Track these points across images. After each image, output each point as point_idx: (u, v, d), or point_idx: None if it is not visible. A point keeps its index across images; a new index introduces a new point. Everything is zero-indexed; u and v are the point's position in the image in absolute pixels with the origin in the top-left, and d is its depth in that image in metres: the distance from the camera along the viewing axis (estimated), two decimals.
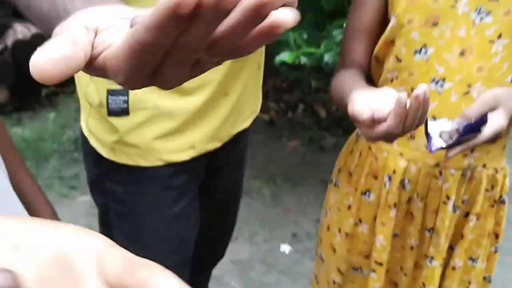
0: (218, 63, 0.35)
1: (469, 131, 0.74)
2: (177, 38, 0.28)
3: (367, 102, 0.70)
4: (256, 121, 1.11)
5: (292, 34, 1.73)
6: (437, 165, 0.89)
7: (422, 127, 0.73)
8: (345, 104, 0.75)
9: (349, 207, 0.98)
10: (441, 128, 0.77)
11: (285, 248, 2.08)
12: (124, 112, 0.91)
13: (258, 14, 0.27)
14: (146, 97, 0.90)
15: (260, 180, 2.53)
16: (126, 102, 0.91)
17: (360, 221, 0.97)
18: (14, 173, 0.88)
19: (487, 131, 0.74)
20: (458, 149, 0.75)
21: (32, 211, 0.92)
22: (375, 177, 0.94)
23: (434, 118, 0.83)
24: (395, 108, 0.65)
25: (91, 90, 0.92)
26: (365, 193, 0.95)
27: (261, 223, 2.20)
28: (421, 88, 0.64)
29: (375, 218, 0.94)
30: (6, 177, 0.57)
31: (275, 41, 1.52)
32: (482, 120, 0.73)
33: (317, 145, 2.80)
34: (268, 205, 2.34)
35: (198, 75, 0.36)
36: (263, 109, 1.26)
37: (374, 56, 0.90)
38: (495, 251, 0.98)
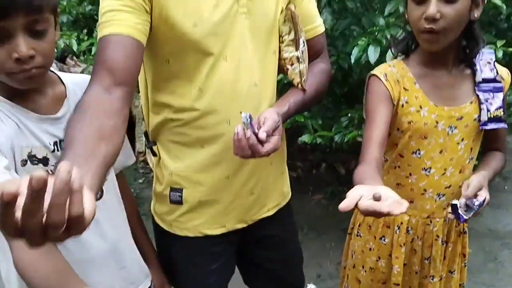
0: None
1: (473, 203, 1.23)
2: None
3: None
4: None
5: (310, 121, 2.23)
6: (428, 217, 1.39)
7: (417, 192, 1.24)
8: None
9: (370, 249, 1.47)
10: (459, 206, 1.25)
11: (311, 287, 2.45)
12: (179, 202, 1.30)
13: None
14: (191, 195, 1.29)
15: None
16: (181, 196, 1.29)
17: (379, 258, 1.46)
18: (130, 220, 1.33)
19: (481, 199, 1.23)
20: (471, 216, 1.24)
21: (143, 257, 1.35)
22: (388, 227, 1.43)
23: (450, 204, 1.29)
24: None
25: (160, 187, 1.32)
26: (381, 238, 1.44)
27: None
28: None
29: (389, 255, 1.43)
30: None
31: (296, 126, 1.99)
32: (474, 201, 1.24)
33: (338, 198, 3.19)
34: None
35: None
36: (291, 167, 1.64)
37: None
38: (465, 266, 1.50)
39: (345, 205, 0.91)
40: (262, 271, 1.49)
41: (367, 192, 0.93)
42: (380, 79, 1.31)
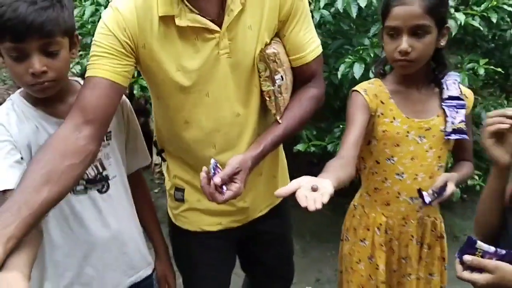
0: None
1: (440, 193, 1.40)
2: None
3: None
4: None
5: (305, 131, 2.41)
6: (403, 219, 1.54)
7: (392, 196, 1.44)
8: None
9: (355, 252, 1.62)
10: (426, 193, 1.43)
11: None
12: (181, 200, 1.49)
13: None
14: (191, 196, 1.47)
15: (293, 236, 3.15)
16: (183, 195, 1.48)
17: (360, 260, 1.60)
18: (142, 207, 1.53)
19: (448, 191, 1.40)
20: (436, 201, 1.41)
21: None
22: (368, 229, 1.59)
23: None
24: None
25: (168, 185, 1.53)
26: (362, 241, 1.60)
27: None
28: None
29: (368, 257, 1.58)
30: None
31: (294, 136, 2.16)
32: (445, 186, 1.40)
33: (341, 209, 3.36)
34: (297, 256, 2.90)
35: None
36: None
37: (359, 157, 1.55)
38: (445, 269, 1.63)
39: (281, 192, 1.07)
40: (257, 262, 1.68)
41: (307, 183, 1.06)
42: (361, 93, 1.50)
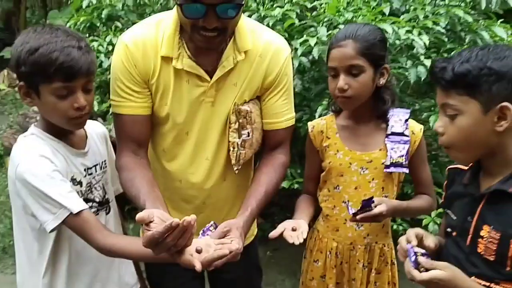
0: None
1: (365, 206, 1.50)
2: None
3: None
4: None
5: (289, 169, 2.57)
6: (351, 243, 1.68)
7: (340, 222, 1.60)
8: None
9: (309, 270, 1.75)
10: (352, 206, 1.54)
11: None
12: None
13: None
14: None
15: (284, 274, 3.24)
16: None
17: (313, 278, 1.75)
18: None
19: (375, 210, 1.50)
20: (360, 216, 1.51)
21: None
22: (321, 252, 1.73)
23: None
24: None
25: None
26: (315, 261, 1.74)
27: None
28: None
29: (320, 276, 1.72)
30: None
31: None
32: (371, 201, 1.50)
33: None
34: None
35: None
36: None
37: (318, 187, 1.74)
38: None
39: (272, 234, 1.43)
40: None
41: (289, 225, 1.47)
42: (308, 130, 1.71)
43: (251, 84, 1.49)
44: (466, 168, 1.33)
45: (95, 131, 1.62)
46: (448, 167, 1.43)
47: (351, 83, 1.53)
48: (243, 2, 1.34)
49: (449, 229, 1.33)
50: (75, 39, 1.38)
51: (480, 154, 1.23)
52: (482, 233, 1.21)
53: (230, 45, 1.44)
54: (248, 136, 1.51)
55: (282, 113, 1.56)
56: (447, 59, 1.19)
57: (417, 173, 1.69)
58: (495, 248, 1.17)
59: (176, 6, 1.36)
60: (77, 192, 1.45)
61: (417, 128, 1.68)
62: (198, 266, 1.15)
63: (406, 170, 1.62)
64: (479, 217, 1.23)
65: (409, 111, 1.70)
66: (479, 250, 1.21)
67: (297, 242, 1.39)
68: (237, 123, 1.49)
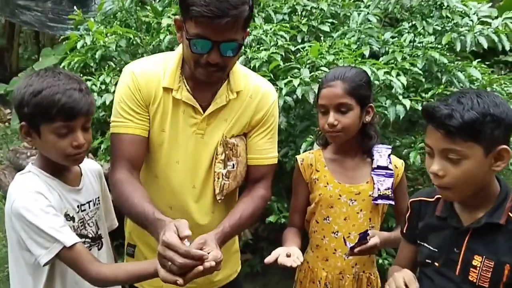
0: None
1: (361, 239, 1.59)
2: None
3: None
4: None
5: (276, 204, 2.65)
6: (340, 273, 1.75)
7: (330, 252, 1.70)
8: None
9: None
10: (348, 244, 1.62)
11: None
12: (132, 255, 1.73)
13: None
14: (141, 251, 1.74)
15: None
16: (133, 251, 1.73)
17: None
18: None
19: (370, 242, 1.59)
20: (358, 249, 1.60)
21: None
22: (313, 282, 1.80)
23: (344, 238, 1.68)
24: None
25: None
26: None
27: None
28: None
29: None
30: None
31: (266, 209, 2.43)
32: (366, 234, 1.59)
33: None
34: None
35: None
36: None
37: (306, 219, 1.81)
38: None
39: (268, 259, 1.50)
40: None
41: (283, 251, 1.54)
42: (298, 163, 1.81)
43: (240, 120, 1.63)
44: (431, 199, 1.44)
45: (90, 168, 1.70)
46: (410, 199, 1.52)
47: (340, 119, 1.67)
48: (243, 43, 1.51)
49: (428, 260, 1.41)
50: (76, 82, 1.48)
51: (472, 192, 1.30)
52: (474, 262, 1.31)
53: (224, 85, 1.60)
54: (233, 167, 1.63)
55: (266, 150, 1.69)
56: (447, 105, 1.24)
57: (399, 205, 1.79)
58: (489, 276, 1.28)
59: (182, 43, 1.51)
60: (70, 228, 1.51)
61: (399, 162, 1.81)
62: (180, 281, 1.22)
63: (392, 202, 1.74)
64: (467, 249, 1.33)
65: (390, 147, 1.82)
66: (471, 278, 1.31)
67: (294, 265, 1.49)
68: (224, 154, 1.61)
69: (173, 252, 1.21)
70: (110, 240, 1.75)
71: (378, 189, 1.73)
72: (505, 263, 1.28)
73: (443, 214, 1.39)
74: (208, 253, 1.26)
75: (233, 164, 1.63)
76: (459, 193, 1.30)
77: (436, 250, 1.39)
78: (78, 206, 1.58)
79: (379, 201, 1.73)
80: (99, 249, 1.64)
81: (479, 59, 3.02)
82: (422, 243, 1.45)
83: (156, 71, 1.59)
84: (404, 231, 1.54)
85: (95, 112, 1.58)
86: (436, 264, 1.39)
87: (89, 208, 1.62)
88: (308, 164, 1.81)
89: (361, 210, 1.74)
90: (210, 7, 1.35)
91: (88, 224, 1.61)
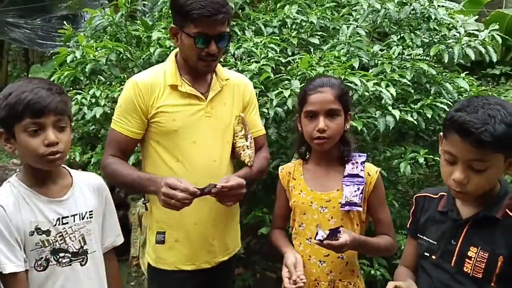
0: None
1: (332, 234, 1.58)
2: None
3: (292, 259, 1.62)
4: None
5: (268, 216, 2.63)
6: (315, 280, 1.75)
7: (305, 258, 1.70)
8: (279, 249, 1.73)
9: None
10: (322, 232, 1.61)
11: None
12: (162, 242, 1.90)
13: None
14: (171, 236, 1.91)
15: None
16: (163, 237, 1.90)
17: None
18: None
19: (340, 240, 1.58)
20: (326, 242, 1.59)
21: None
22: None
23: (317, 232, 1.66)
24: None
25: (149, 234, 1.93)
26: None
27: None
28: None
29: None
30: None
31: (258, 221, 2.44)
32: (337, 230, 1.59)
33: None
34: None
35: None
36: (271, 269, 2.07)
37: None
38: None
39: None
40: None
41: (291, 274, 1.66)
42: (279, 171, 1.89)
43: (236, 103, 1.99)
44: (435, 196, 1.53)
45: (87, 181, 1.67)
46: (416, 195, 1.60)
47: (330, 124, 1.71)
48: (231, 34, 1.93)
49: (426, 253, 1.49)
50: (47, 83, 1.51)
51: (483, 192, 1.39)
52: (469, 254, 1.39)
53: (214, 77, 1.96)
54: (251, 139, 1.98)
55: (258, 124, 2.09)
56: (478, 118, 1.28)
57: (376, 214, 1.81)
58: (483, 266, 1.34)
59: (180, 45, 1.85)
60: (43, 242, 1.50)
61: (373, 170, 1.81)
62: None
63: (359, 209, 1.74)
64: (464, 240, 1.40)
65: (365, 154, 1.83)
66: (465, 269, 1.39)
67: (302, 284, 1.61)
68: (244, 130, 1.96)
69: (174, 190, 1.64)
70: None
71: (346, 196, 1.74)
72: (499, 255, 1.34)
73: (445, 209, 1.48)
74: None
75: (250, 136, 1.97)
76: (474, 196, 1.40)
77: (435, 242, 1.47)
78: (58, 219, 1.54)
79: (347, 208, 1.74)
80: (82, 265, 1.59)
81: (467, 72, 3.06)
82: (422, 236, 1.52)
83: (157, 76, 1.89)
84: (408, 226, 1.61)
85: (69, 113, 1.56)
86: (434, 257, 1.46)
87: (74, 221, 1.58)
88: (287, 172, 1.88)
89: (332, 217, 1.76)
90: (207, 8, 1.74)
91: (70, 237, 1.56)
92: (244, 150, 1.94)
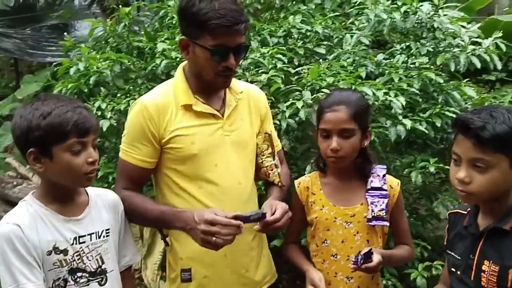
0: None
1: (367, 258, 1.57)
2: None
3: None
4: None
5: None
6: None
7: (331, 276, 1.69)
8: (299, 266, 1.69)
9: None
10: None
11: None
12: (189, 280, 1.74)
13: None
14: (198, 272, 1.74)
15: None
16: (190, 275, 1.73)
17: None
18: None
19: (374, 260, 1.58)
20: (364, 265, 1.58)
21: None
22: None
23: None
24: None
25: (172, 274, 1.78)
26: None
27: None
28: None
29: None
30: None
31: (273, 234, 2.40)
32: (370, 252, 1.58)
33: None
34: None
35: None
36: (277, 280, 2.02)
37: (307, 242, 1.82)
38: None
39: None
40: None
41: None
42: (295, 185, 1.83)
43: (254, 117, 1.84)
44: (465, 212, 1.52)
45: (103, 199, 1.65)
46: (449, 211, 1.61)
47: (343, 144, 1.67)
48: (249, 45, 1.78)
49: (453, 269, 1.49)
50: (81, 102, 1.54)
51: (489, 199, 1.40)
52: (483, 267, 1.38)
53: (228, 92, 1.79)
54: (277, 156, 1.87)
55: (276, 138, 1.95)
56: (480, 117, 1.34)
57: (397, 225, 1.80)
58: (495, 280, 1.33)
59: (193, 59, 1.68)
60: (60, 261, 1.47)
61: (394, 182, 1.80)
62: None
63: (387, 223, 1.73)
64: (480, 254, 1.40)
65: (385, 167, 1.83)
66: (483, 284, 1.38)
67: None
68: (270, 148, 1.83)
69: (217, 225, 1.49)
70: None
71: (372, 211, 1.72)
72: (509, 268, 1.33)
73: (467, 224, 1.48)
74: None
75: (276, 154, 1.86)
76: (479, 199, 1.41)
77: (459, 258, 1.48)
78: (75, 238, 1.52)
79: (374, 223, 1.72)
80: (101, 285, 1.56)
81: (468, 79, 3.08)
82: (450, 252, 1.52)
83: (167, 96, 1.72)
84: (445, 243, 1.60)
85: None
86: (458, 272, 1.46)
87: (91, 240, 1.55)
88: (305, 187, 1.82)
89: (357, 232, 1.74)
90: (227, 17, 1.57)
91: (87, 257, 1.54)
92: (272, 170, 1.82)
